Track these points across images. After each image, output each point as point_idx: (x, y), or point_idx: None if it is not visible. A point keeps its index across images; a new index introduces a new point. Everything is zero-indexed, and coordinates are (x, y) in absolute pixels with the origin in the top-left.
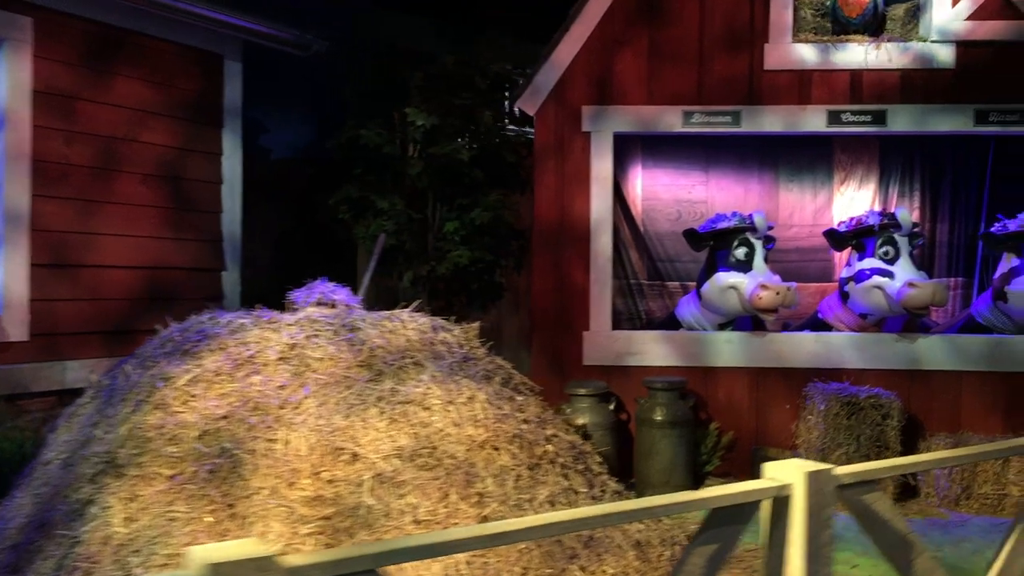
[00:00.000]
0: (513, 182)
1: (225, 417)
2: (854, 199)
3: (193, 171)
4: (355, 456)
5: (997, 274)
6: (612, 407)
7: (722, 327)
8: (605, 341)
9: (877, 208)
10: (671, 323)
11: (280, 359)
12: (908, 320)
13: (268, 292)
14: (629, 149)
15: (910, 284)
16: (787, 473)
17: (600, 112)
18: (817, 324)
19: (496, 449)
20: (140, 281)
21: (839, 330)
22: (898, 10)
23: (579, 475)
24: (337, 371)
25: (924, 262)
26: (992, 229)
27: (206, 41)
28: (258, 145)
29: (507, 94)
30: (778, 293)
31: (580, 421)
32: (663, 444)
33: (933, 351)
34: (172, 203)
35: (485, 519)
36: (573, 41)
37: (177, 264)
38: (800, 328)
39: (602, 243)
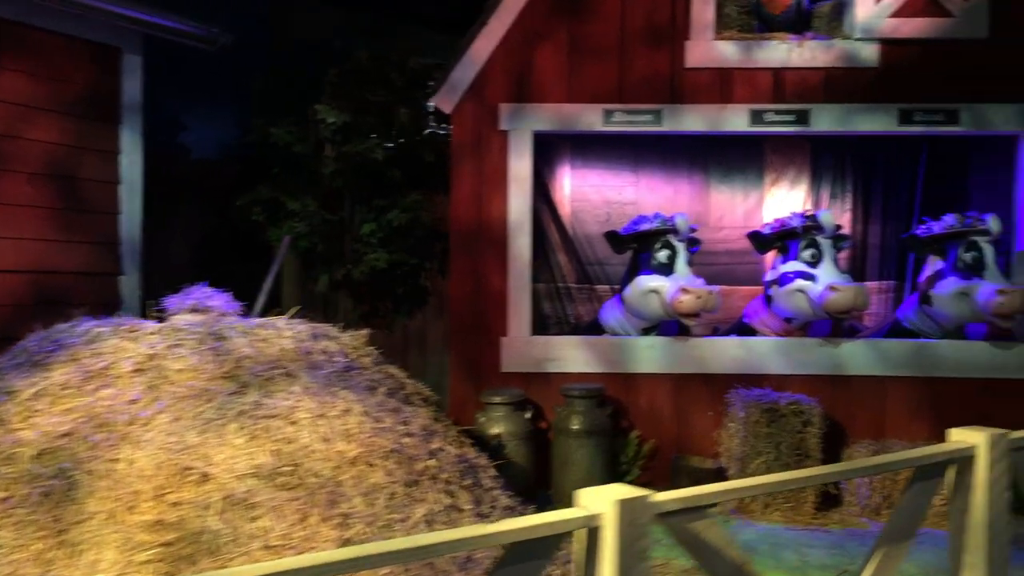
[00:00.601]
0: (434, 182)
1: (67, 434)
2: (785, 200)
3: (87, 170)
4: (205, 476)
5: (922, 277)
6: (528, 416)
7: (646, 332)
8: (524, 347)
9: (808, 209)
10: (596, 328)
11: (135, 371)
12: (835, 324)
13: None
14: (557, 148)
15: (831, 287)
16: (599, 502)
17: (519, 110)
18: (743, 329)
19: (370, 465)
20: (24, 286)
21: (764, 335)
22: (824, 8)
23: (466, 491)
24: (197, 383)
25: (856, 265)
26: (917, 231)
27: (102, 34)
28: (178, 143)
29: (428, 91)
30: (699, 297)
31: (494, 431)
32: (579, 454)
33: (857, 356)
34: (62, 204)
35: (348, 542)
36: (491, 36)
37: (66, 268)
38: (727, 333)
39: (520, 245)
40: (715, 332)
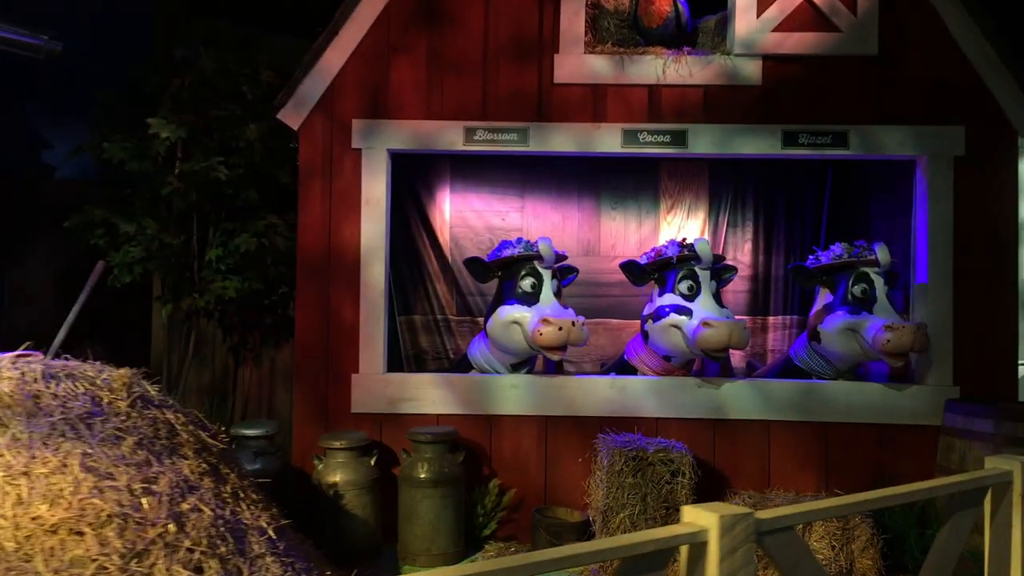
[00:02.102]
0: (292, 205)
1: None
2: (682, 228)
3: None
4: None
5: (812, 311)
6: (373, 462)
7: (516, 368)
8: (376, 385)
9: (684, 238)
10: (464, 364)
11: None
12: (724, 363)
13: (42, 331)
14: (436, 169)
15: (704, 323)
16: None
17: (373, 127)
18: (625, 367)
19: (77, 534)
20: None
21: (644, 373)
22: (710, 22)
23: (218, 561)
24: None
25: (758, 297)
26: (806, 261)
27: None
28: (41, 163)
29: None
30: (560, 328)
31: (332, 479)
32: (424, 506)
33: (740, 398)
34: None
35: None
36: (343, 46)
37: None
38: (609, 371)
39: (374, 273)
40: (596, 371)
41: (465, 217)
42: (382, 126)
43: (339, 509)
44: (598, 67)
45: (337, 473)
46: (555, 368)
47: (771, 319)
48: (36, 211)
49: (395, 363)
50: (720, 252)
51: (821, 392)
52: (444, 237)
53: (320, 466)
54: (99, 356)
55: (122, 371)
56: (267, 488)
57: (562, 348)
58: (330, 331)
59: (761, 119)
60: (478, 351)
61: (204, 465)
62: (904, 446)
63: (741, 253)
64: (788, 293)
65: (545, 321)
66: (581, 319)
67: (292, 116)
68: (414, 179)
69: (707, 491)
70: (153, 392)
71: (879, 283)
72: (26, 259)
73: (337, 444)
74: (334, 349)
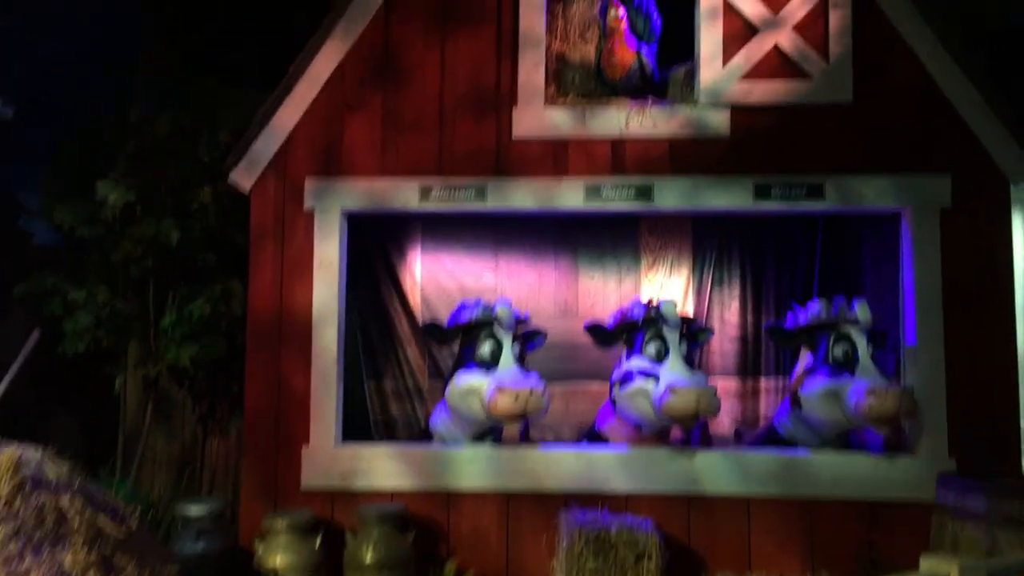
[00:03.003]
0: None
1: None
2: (664, 286)
3: None
4: None
5: (793, 376)
6: (319, 544)
7: (479, 438)
8: (328, 459)
9: (651, 298)
10: (426, 434)
11: None
12: (703, 432)
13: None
14: (406, 229)
15: (670, 389)
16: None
17: (326, 186)
18: (596, 436)
19: None
20: None
21: (616, 443)
22: (679, 73)
23: None
24: None
25: (746, 359)
26: (784, 321)
27: None
28: (17, 229)
29: None
30: (517, 398)
31: (274, 563)
32: None
33: (715, 471)
34: None
35: None
36: (296, 104)
37: None
38: (581, 440)
39: (326, 339)
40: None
41: (437, 278)
42: (336, 186)
43: None
44: (559, 120)
45: (279, 556)
46: (525, 437)
47: (762, 382)
48: (13, 279)
49: (363, 431)
50: (705, 311)
51: (805, 464)
52: (415, 299)
53: (261, 548)
54: (68, 429)
55: (7, 453)
56: (203, 573)
57: (520, 418)
58: (280, 400)
59: (731, 171)
60: (439, 420)
61: (94, 556)
62: (897, 524)
63: (728, 312)
64: (780, 354)
65: (500, 390)
66: (541, 386)
67: (244, 177)
68: (384, 239)
69: (683, 573)
70: (54, 474)
71: (861, 343)
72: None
73: (279, 524)
74: (284, 420)
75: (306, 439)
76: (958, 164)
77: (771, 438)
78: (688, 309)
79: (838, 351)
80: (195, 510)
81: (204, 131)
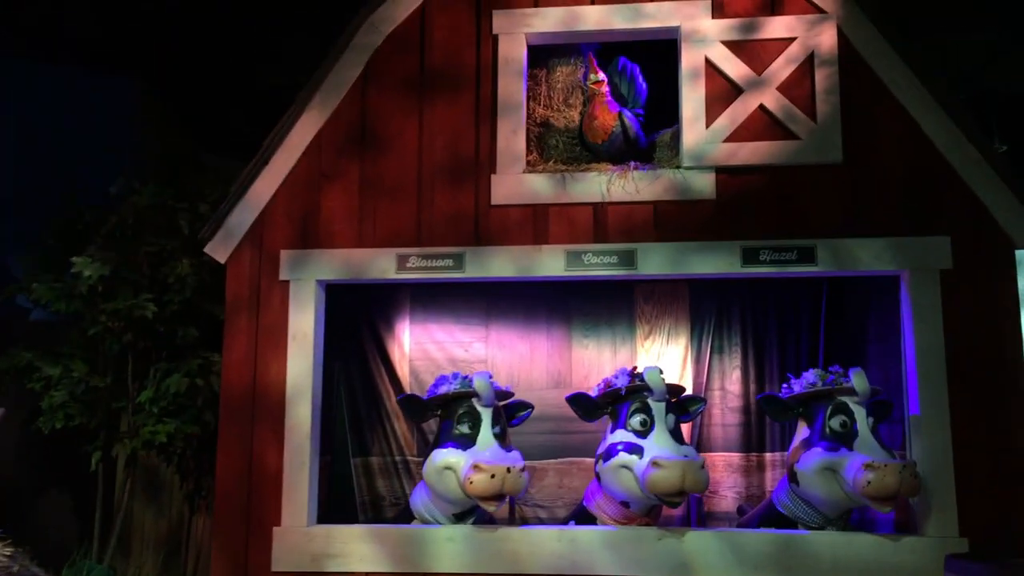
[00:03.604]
0: None
1: None
2: (661, 355)
3: None
4: None
5: (789, 449)
6: None
7: (461, 518)
8: (300, 540)
9: (635, 367)
10: (407, 515)
11: None
12: (699, 510)
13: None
14: (394, 299)
15: (653, 463)
16: None
17: (302, 257)
18: (584, 515)
19: None
20: None
21: (603, 522)
22: (666, 136)
23: None
24: None
25: (749, 431)
26: (781, 392)
27: None
28: (13, 304)
29: None
30: (493, 476)
31: None
32: None
33: (707, 553)
34: None
35: None
36: (273, 175)
37: None
38: (569, 520)
39: (300, 414)
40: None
41: (426, 349)
42: (312, 256)
43: None
44: (538, 186)
45: None
46: (514, 517)
47: (767, 456)
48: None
49: (349, 511)
50: (705, 380)
51: (802, 545)
52: (403, 371)
53: None
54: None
55: None
56: None
57: (498, 498)
58: (252, 478)
59: (717, 235)
60: (419, 499)
61: None
62: None
63: (729, 381)
64: (785, 426)
65: (476, 468)
66: (521, 464)
67: (220, 249)
68: (371, 310)
69: None
70: None
71: (860, 414)
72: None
73: None
74: (256, 499)
75: (277, 520)
76: (958, 225)
77: (770, 517)
78: (687, 379)
79: (835, 423)
80: None
81: (185, 204)
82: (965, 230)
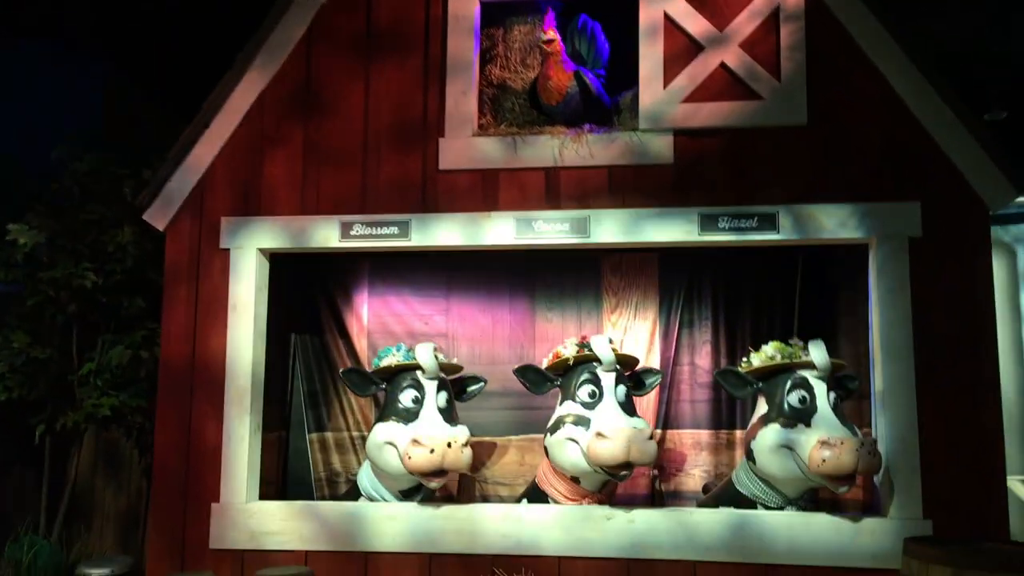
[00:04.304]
0: None
1: None
2: (629, 329)
3: None
4: None
5: (748, 426)
6: None
7: (407, 496)
8: (238, 516)
9: (584, 336)
10: (357, 492)
11: None
12: (654, 489)
13: None
14: (352, 270)
15: (597, 434)
16: None
17: (242, 224)
18: (537, 494)
19: None
20: None
21: (556, 500)
22: (627, 98)
23: None
24: None
25: (722, 408)
26: (737, 365)
27: None
28: None
29: None
30: (433, 451)
31: None
32: None
33: (657, 533)
34: None
35: None
36: (213, 140)
37: None
38: (522, 498)
39: (239, 388)
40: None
41: (385, 322)
42: (252, 224)
43: None
44: (488, 150)
45: None
46: (471, 495)
47: (738, 434)
48: None
49: (305, 487)
50: (673, 356)
51: (758, 526)
52: (361, 345)
53: None
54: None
55: None
56: None
57: (438, 474)
58: (190, 453)
59: (675, 202)
60: (365, 476)
61: None
62: None
63: (699, 356)
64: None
65: (415, 442)
66: (463, 438)
67: (158, 216)
68: (329, 282)
69: None
70: None
71: (820, 389)
72: None
73: None
74: (194, 474)
75: (216, 496)
76: (930, 190)
77: (730, 496)
78: (655, 354)
79: (793, 398)
80: (95, 570)
81: (127, 170)
82: (937, 196)
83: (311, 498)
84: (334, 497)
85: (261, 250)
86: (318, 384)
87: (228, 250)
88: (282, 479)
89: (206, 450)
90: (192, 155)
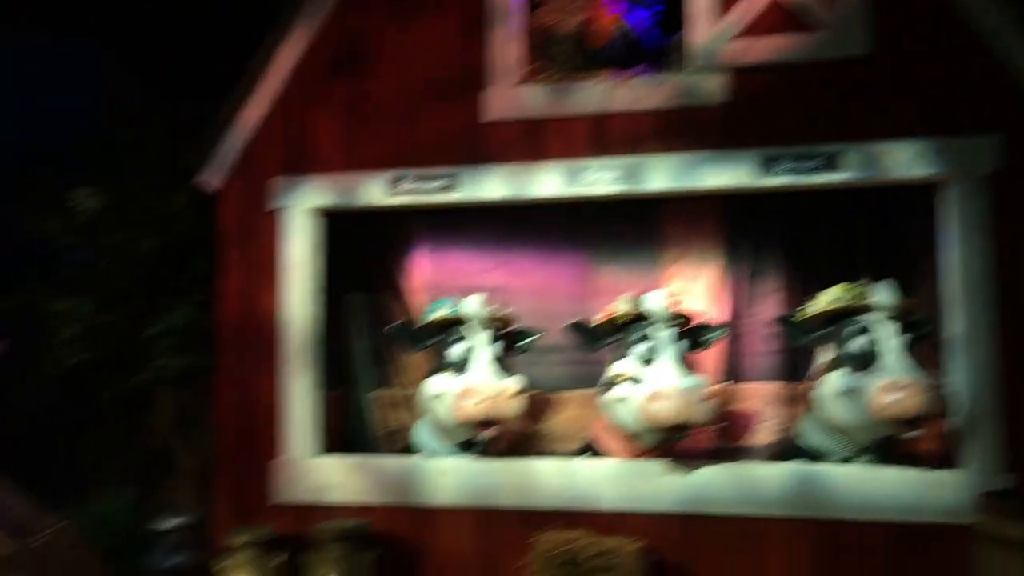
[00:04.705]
0: None
1: None
2: (691, 281)
3: None
4: None
5: (813, 376)
6: (279, 562)
7: (463, 449)
8: (299, 472)
9: (640, 291)
10: (414, 448)
11: None
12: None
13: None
14: (406, 226)
15: (651, 395)
16: None
17: (292, 184)
18: (594, 451)
19: None
20: None
21: (614, 457)
22: (677, 40)
23: None
24: None
25: (792, 360)
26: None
27: None
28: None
29: None
30: (481, 401)
31: None
32: None
33: (716, 487)
34: None
35: None
36: (260, 100)
37: None
38: (577, 455)
39: (295, 345)
40: None
41: (440, 278)
42: (301, 183)
43: None
44: (534, 99)
45: (239, 574)
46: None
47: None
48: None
49: (367, 444)
50: (740, 308)
51: (823, 480)
52: (416, 303)
53: (223, 565)
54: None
55: None
56: None
57: (488, 424)
58: (251, 412)
59: (730, 144)
60: (423, 431)
61: None
62: (937, 554)
63: (768, 307)
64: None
65: (464, 392)
66: (514, 388)
67: (211, 179)
68: (385, 239)
69: None
70: None
71: (887, 332)
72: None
73: (239, 541)
74: (255, 432)
75: (277, 452)
76: (1006, 122)
77: (796, 449)
78: (720, 305)
79: (858, 342)
80: (165, 524)
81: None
82: (1014, 128)
83: (373, 454)
84: (397, 453)
85: (311, 209)
86: (377, 343)
87: (278, 210)
88: (346, 436)
89: (265, 408)
90: (240, 117)
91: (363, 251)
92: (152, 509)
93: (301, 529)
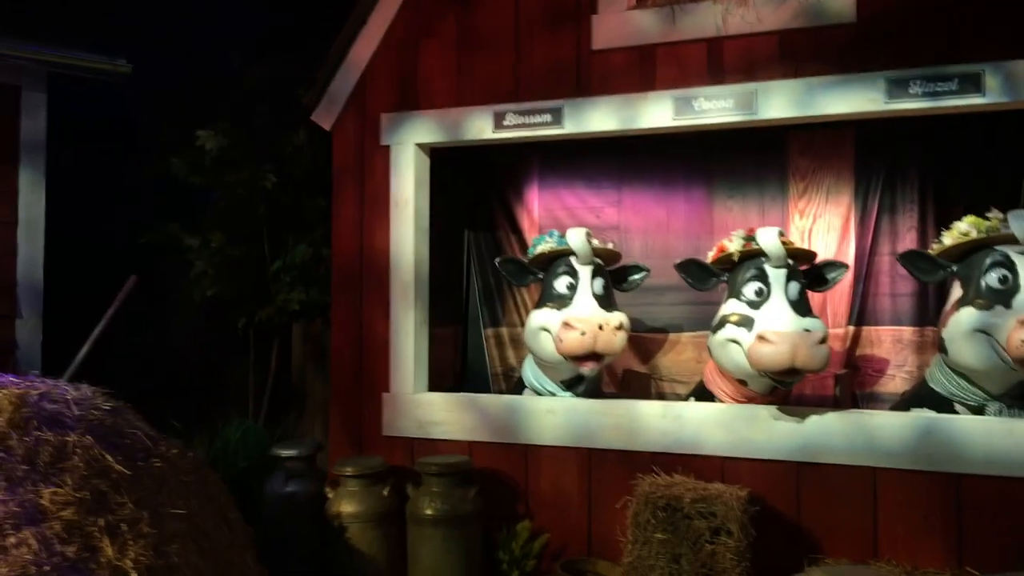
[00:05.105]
0: None
1: None
2: (819, 217)
3: None
4: None
5: (942, 315)
6: (387, 493)
7: (569, 387)
8: (407, 407)
9: (752, 229)
10: (521, 386)
11: None
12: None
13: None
14: (523, 162)
15: (759, 337)
16: None
17: (400, 120)
18: (704, 394)
19: None
20: None
21: (723, 401)
22: None
23: None
24: None
25: (929, 303)
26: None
27: None
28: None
29: None
30: (584, 333)
31: (339, 509)
32: (427, 548)
33: (831, 435)
34: None
35: None
36: (371, 36)
37: None
38: (687, 398)
39: (404, 282)
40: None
41: (556, 215)
42: (409, 119)
43: (343, 544)
44: (644, 24)
45: (345, 503)
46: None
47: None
48: None
49: (482, 381)
50: (871, 245)
51: (949, 431)
52: (529, 239)
53: (331, 494)
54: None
55: (14, 389)
56: (288, 514)
57: (591, 358)
58: (363, 347)
59: (857, 67)
60: (528, 369)
61: (83, 494)
62: None
63: (902, 244)
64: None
65: (566, 324)
66: (618, 321)
67: (324, 116)
68: (499, 176)
69: (788, 555)
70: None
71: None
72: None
73: (349, 471)
74: (367, 366)
75: (386, 386)
76: None
77: (923, 396)
78: (850, 243)
79: (992, 277)
80: (284, 452)
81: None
82: None
83: (488, 392)
84: (509, 391)
85: (419, 145)
86: (492, 280)
87: (389, 146)
88: (461, 373)
89: (377, 343)
90: (352, 53)
91: (476, 187)
92: (281, 438)
93: (410, 462)
